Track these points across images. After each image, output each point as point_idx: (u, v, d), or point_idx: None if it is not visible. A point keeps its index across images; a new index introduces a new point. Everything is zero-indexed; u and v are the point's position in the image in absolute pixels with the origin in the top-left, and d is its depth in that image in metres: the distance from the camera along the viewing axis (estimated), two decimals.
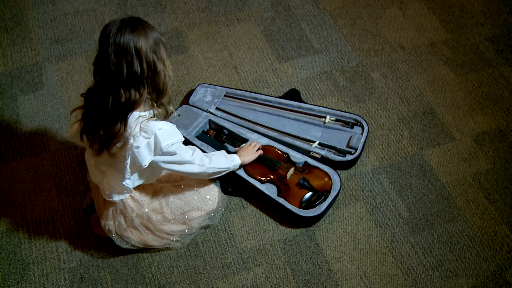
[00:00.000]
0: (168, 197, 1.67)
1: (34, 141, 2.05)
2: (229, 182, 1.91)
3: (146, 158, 1.38)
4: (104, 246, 1.78)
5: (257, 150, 1.88)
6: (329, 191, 1.83)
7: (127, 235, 1.64)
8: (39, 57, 2.31)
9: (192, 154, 1.53)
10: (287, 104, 2.10)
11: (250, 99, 2.13)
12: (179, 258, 1.76)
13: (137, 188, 1.60)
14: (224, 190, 1.88)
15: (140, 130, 1.35)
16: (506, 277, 1.74)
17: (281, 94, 2.20)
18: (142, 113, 1.38)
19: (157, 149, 1.38)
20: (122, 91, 1.29)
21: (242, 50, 2.36)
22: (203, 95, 2.13)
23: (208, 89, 2.16)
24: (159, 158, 1.42)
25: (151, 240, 1.67)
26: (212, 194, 1.74)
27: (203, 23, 2.46)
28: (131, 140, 1.35)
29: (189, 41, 2.39)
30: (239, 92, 2.14)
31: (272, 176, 1.86)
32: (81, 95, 1.43)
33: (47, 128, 2.08)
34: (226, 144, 1.98)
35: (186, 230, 1.72)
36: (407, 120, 2.13)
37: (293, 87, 2.23)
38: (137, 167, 1.40)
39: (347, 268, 1.75)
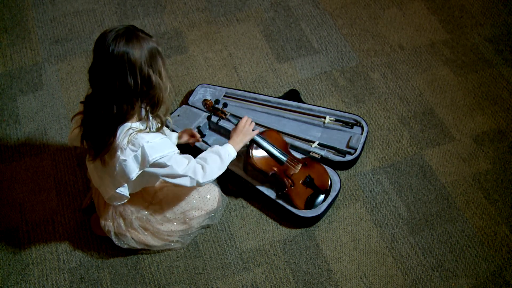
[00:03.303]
0: (168, 196, 1.67)
1: (34, 141, 2.04)
2: (229, 182, 1.91)
3: (133, 171, 1.35)
4: (104, 246, 1.78)
5: (253, 130, 1.71)
6: (329, 190, 1.83)
7: (126, 235, 1.64)
8: (38, 57, 2.31)
9: (187, 165, 1.45)
10: (286, 105, 2.10)
11: (249, 99, 2.13)
12: (179, 259, 1.76)
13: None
14: (224, 190, 1.88)
15: (128, 142, 1.32)
16: (506, 277, 1.74)
17: (280, 94, 2.20)
18: (134, 125, 1.35)
19: (145, 162, 1.34)
20: (114, 103, 1.27)
21: (241, 50, 2.36)
22: (203, 95, 2.13)
23: (208, 89, 2.16)
24: (149, 170, 1.38)
25: (151, 241, 1.67)
26: (212, 193, 1.74)
27: (202, 23, 2.46)
28: (118, 152, 1.33)
29: (189, 41, 2.39)
30: (238, 92, 2.14)
31: (277, 169, 1.80)
32: (81, 102, 1.42)
33: (46, 129, 2.08)
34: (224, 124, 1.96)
35: (187, 230, 1.72)
36: (407, 120, 2.13)
37: (292, 87, 2.23)
38: (126, 178, 1.38)
39: (347, 269, 1.75)
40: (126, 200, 1.55)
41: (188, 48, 2.37)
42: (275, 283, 1.72)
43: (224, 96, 2.13)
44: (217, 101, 1.84)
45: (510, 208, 1.89)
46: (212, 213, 1.76)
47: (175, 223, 1.70)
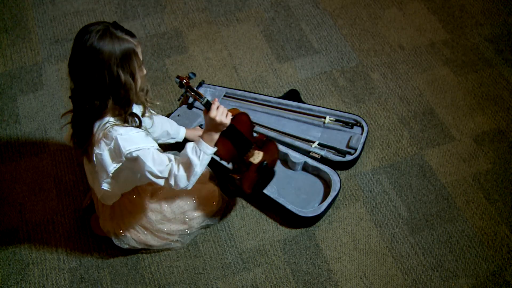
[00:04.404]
0: (167, 196, 1.67)
1: (34, 141, 2.04)
2: (229, 182, 1.91)
3: (110, 164, 1.33)
4: (104, 246, 1.78)
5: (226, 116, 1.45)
6: (273, 170, 1.67)
7: (125, 235, 1.64)
8: (38, 57, 2.31)
9: (166, 166, 1.37)
10: (286, 105, 2.10)
11: (249, 100, 2.13)
12: (179, 258, 1.76)
13: (135, 188, 1.60)
14: (224, 190, 1.88)
15: (103, 136, 1.31)
16: (506, 277, 1.74)
17: (281, 94, 2.20)
18: (112, 119, 1.33)
19: (120, 155, 1.31)
20: (86, 98, 1.28)
21: (241, 50, 2.36)
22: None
23: (208, 89, 2.16)
24: (128, 165, 1.35)
25: (150, 240, 1.67)
26: (212, 194, 1.74)
27: (202, 23, 2.46)
28: (95, 147, 1.32)
29: (189, 41, 2.39)
30: (238, 92, 2.14)
31: (237, 158, 1.62)
32: (69, 97, 1.42)
33: (46, 129, 2.08)
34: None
35: (186, 230, 1.72)
36: (407, 120, 2.13)
37: (292, 87, 2.23)
38: (105, 172, 1.35)
39: (346, 268, 1.75)
40: (117, 199, 1.55)
41: (188, 48, 2.37)
42: (275, 283, 1.72)
43: (225, 96, 2.13)
44: (191, 77, 1.49)
45: (510, 208, 1.89)
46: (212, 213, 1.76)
47: (175, 223, 1.70)
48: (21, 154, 2.01)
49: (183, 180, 1.38)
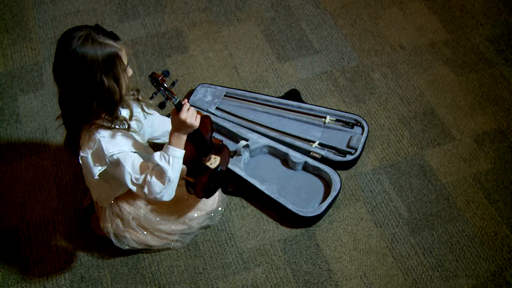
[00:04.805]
0: None
1: (34, 141, 2.05)
2: (229, 182, 1.91)
3: (95, 167, 1.33)
4: (104, 246, 1.78)
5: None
6: (223, 178, 1.63)
7: (125, 236, 1.64)
8: (39, 56, 2.31)
9: (141, 174, 1.35)
10: (287, 104, 2.10)
11: (250, 99, 2.13)
12: (179, 258, 1.76)
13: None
14: (224, 190, 1.88)
15: (88, 139, 1.31)
16: (506, 277, 1.74)
17: (281, 94, 2.20)
18: (98, 122, 1.32)
19: (103, 157, 1.30)
20: (70, 102, 1.28)
21: (242, 50, 2.36)
22: (203, 95, 2.13)
23: (209, 89, 2.16)
24: (112, 169, 1.34)
25: (150, 241, 1.67)
26: None
27: (203, 23, 2.46)
28: (81, 150, 1.32)
29: (189, 41, 2.39)
30: (239, 92, 2.14)
31: (196, 161, 1.57)
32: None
33: (47, 128, 2.08)
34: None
35: (186, 230, 1.72)
36: (407, 120, 2.13)
37: (293, 87, 2.23)
38: (92, 175, 1.34)
39: (347, 268, 1.75)
40: (111, 201, 1.55)
41: (188, 47, 2.37)
42: (275, 282, 1.72)
43: (225, 96, 2.13)
44: (165, 75, 1.39)
45: (511, 208, 1.89)
46: (212, 214, 1.76)
47: (175, 223, 1.70)
48: (22, 153, 2.01)
49: (156, 188, 1.34)
